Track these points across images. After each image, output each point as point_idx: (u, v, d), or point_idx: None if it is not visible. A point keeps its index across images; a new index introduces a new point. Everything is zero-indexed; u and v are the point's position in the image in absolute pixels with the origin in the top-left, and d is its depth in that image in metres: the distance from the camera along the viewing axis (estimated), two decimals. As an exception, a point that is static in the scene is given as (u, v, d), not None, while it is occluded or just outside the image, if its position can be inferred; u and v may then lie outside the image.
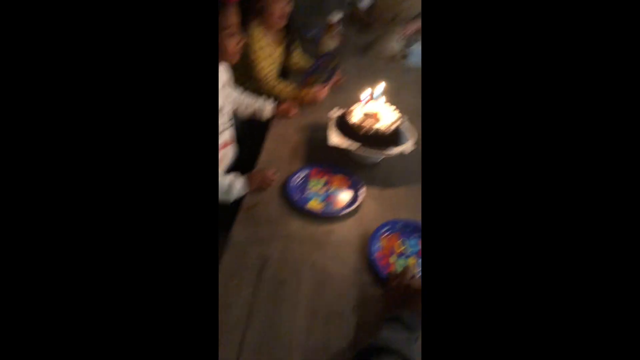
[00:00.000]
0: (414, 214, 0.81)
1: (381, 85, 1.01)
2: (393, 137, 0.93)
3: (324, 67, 1.28)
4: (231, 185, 0.84)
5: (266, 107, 1.15)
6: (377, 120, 0.95)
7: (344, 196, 0.86)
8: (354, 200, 0.84)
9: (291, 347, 0.57)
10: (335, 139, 0.93)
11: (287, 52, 1.40)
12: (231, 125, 1.02)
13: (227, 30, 0.83)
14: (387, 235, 0.77)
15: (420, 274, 0.68)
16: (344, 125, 0.95)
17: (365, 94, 1.00)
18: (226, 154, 1.02)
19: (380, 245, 0.74)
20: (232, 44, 0.85)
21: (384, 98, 1.02)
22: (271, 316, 0.60)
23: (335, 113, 1.01)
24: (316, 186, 0.88)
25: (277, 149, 1.02)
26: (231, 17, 0.82)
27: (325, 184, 0.89)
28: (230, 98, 1.07)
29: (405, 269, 0.64)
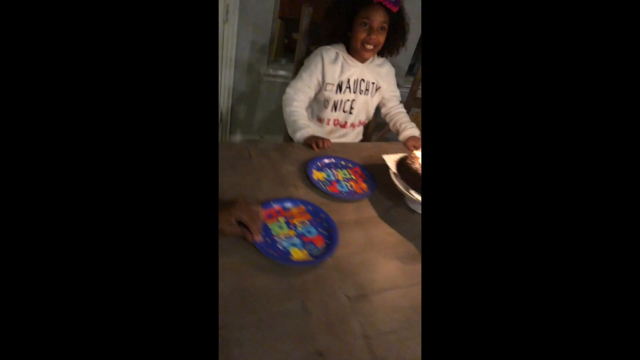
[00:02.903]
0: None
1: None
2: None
3: None
4: (300, 129, 1.02)
5: None
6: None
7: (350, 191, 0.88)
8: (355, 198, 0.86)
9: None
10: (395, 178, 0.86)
11: None
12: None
13: (361, 21, 1.01)
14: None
15: None
16: (405, 169, 0.86)
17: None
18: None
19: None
20: (361, 32, 1.03)
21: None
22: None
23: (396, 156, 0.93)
24: (340, 173, 0.94)
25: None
26: (371, 13, 0.99)
27: (350, 178, 0.93)
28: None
29: None
